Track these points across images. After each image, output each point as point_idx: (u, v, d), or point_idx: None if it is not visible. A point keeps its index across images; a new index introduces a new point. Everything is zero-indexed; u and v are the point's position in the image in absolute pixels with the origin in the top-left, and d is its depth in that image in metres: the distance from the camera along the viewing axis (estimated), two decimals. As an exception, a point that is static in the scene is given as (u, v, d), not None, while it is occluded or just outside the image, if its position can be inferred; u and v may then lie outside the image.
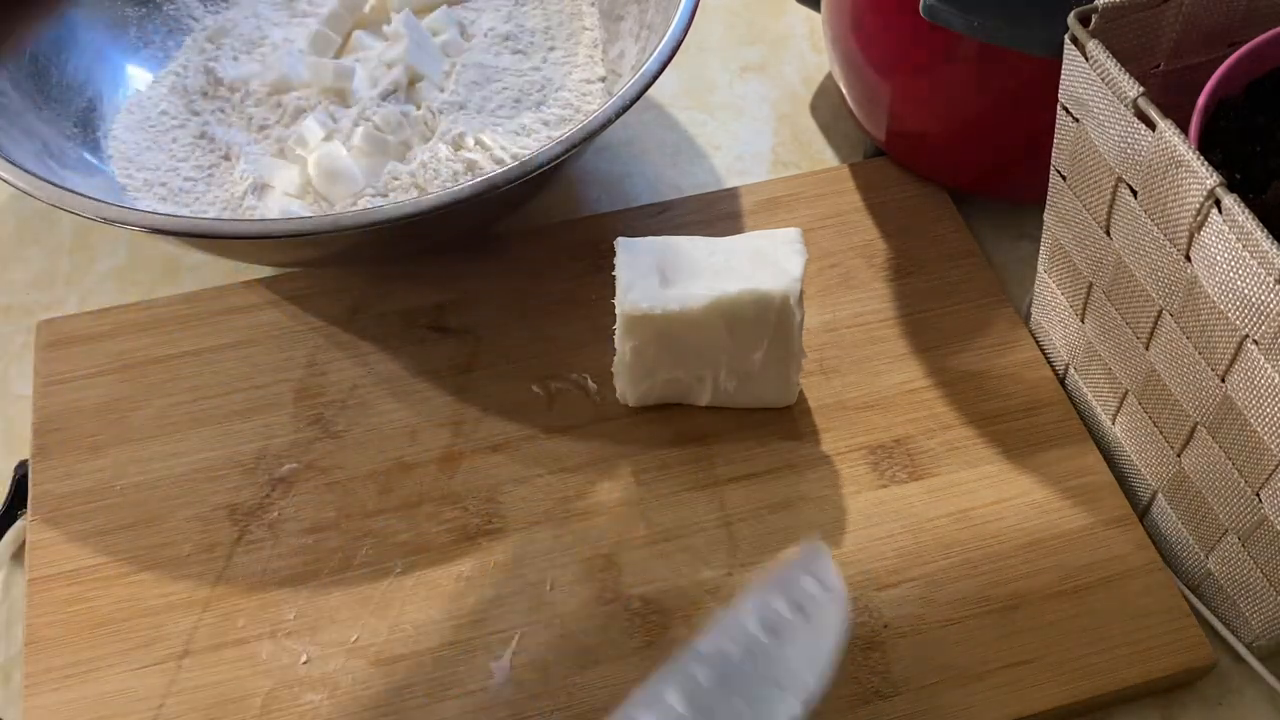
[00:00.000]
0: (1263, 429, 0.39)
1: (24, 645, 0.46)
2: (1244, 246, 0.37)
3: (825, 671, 0.38)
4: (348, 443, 0.52)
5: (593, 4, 0.67)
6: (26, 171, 0.49)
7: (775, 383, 0.51)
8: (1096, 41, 0.42)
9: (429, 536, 0.49)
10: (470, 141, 0.59)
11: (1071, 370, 0.53)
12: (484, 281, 0.58)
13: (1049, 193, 0.50)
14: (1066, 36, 0.43)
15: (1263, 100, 0.45)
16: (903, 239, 0.60)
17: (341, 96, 0.61)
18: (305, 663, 0.46)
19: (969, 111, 0.57)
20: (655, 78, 0.52)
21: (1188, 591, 0.48)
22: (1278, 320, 0.36)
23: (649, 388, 0.52)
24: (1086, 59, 0.43)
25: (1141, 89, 0.40)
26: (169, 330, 0.56)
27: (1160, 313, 0.43)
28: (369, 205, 0.56)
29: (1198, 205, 0.38)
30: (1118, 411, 0.50)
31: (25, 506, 0.50)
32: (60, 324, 0.56)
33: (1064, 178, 0.48)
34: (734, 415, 0.53)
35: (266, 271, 0.58)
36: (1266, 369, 0.38)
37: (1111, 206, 0.44)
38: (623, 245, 0.50)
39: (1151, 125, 0.40)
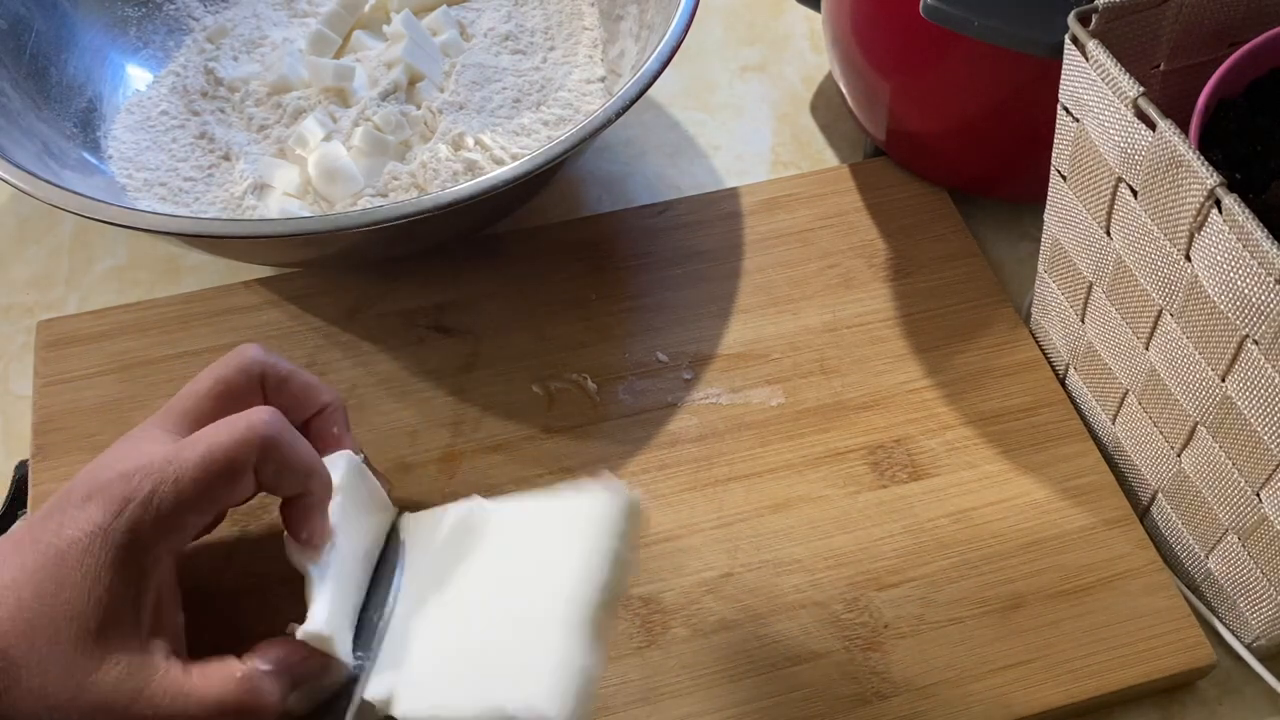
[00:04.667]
0: (1263, 429, 0.39)
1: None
2: (1244, 246, 0.37)
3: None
4: (348, 443, 0.52)
5: (593, 4, 0.67)
6: (26, 171, 0.49)
7: None
8: (1096, 41, 0.42)
9: (429, 536, 0.49)
10: (470, 141, 0.58)
11: (1071, 370, 0.53)
12: (484, 281, 0.58)
13: (1049, 193, 0.50)
14: (1066, 36, 0.43)
15: (1263, 100, 0.45)
16: (903, 239, 0.60)
17: (341, 96, 0.61)
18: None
19: (969, 111, 0.57)
20: (655, 78, 0.52)
21: (1188, 591, 0.48)
22: (1278, 320, 0.36)
23: None
24: (1086, 59, 0.43)
25: (1141, 89, 0.40)
26: (169, 330, 0.56)
27: (1160, 313, 0.43)
28: (369, 205, 0.56)
29: (1198, 205, 0.38)
30: (1118, 411, 0.50)
31: (25, 506, 0.50)
32: (60, 324, 0.56)
33: (1064, 178, 0.48)
34: (733, 415, 0.53)
35: (266, 271, 0.58)
36: (1266, 369, 0.38)
37: (1111, 206, 0.44)
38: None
39: (1151, 125, 0.40)
